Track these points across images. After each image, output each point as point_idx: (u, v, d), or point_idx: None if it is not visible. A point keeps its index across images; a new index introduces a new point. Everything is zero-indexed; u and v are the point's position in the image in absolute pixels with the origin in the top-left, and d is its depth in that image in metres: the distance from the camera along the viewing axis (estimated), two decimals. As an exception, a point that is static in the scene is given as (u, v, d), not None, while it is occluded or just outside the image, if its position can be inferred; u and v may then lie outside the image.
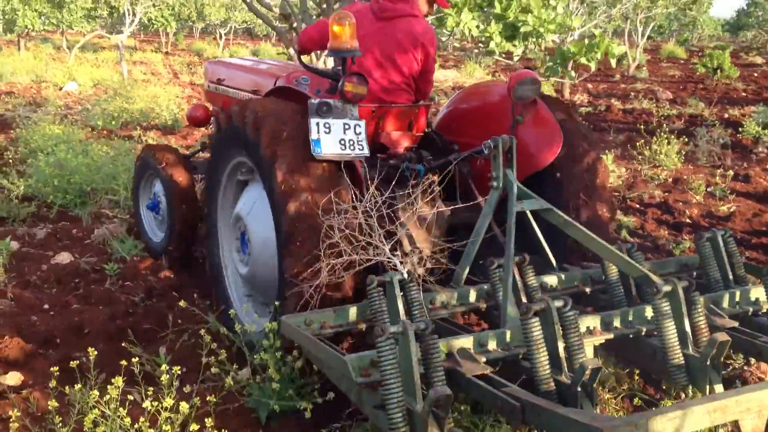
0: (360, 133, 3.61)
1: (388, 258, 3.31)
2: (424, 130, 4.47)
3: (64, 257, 5.69)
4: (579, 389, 2.72)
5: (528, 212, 3.57)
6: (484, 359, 2.93)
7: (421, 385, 2.59)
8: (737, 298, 3.51)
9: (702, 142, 10.09)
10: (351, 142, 3.58)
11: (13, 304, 4.75)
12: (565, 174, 4.01)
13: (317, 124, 3.52)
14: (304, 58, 5.04)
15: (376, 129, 4.13)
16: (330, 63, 6.23)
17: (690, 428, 2.39)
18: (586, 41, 6.27)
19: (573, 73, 6.64)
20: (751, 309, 3.49)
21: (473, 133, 4.19)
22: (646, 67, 24.44)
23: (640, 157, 9.39)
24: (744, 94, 18.17)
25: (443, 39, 7.28)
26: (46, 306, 4.79)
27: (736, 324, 3.30)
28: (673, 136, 9.42)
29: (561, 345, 2.84)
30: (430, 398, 2.49)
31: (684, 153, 9.49)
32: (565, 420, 2.42)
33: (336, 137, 3.54)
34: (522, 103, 3.93)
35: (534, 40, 6.62)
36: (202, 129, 8.34)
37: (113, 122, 11.66)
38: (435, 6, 4.62)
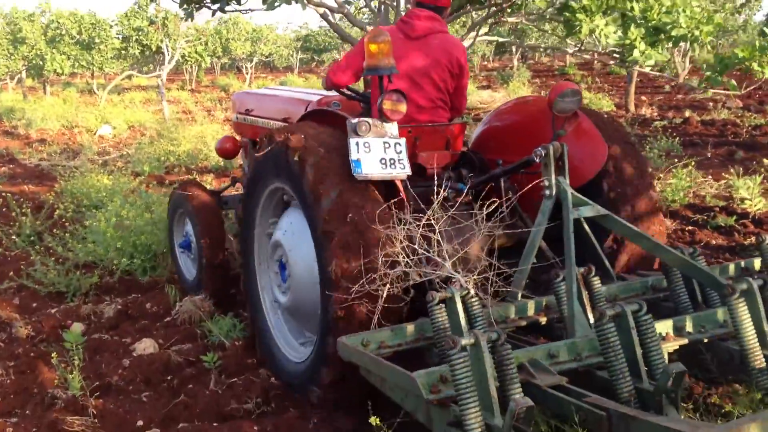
0: (401, 152, 3.56)
1: (449, 273, 3.29)
2: (461, 149, 4.38)
3: (146, 345, 4.65)
4: (663, 396, 2.63)
5: (583, 220, 3.51)
6: (556, 370, 2.84)
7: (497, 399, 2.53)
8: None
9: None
10: (392, 161, 3.52)
11: (99, 424, 3.72)
12: (612, 184, 4.00)
13: (357, 143, 3.47)
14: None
15: (413, 149, 4.04)
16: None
17: None
18: (758, 43, 5.11)
19: (735, 83, 5.49)
20: None
21: (513, 150, 4.11)
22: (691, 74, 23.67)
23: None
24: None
25: (569, 51, 6.19)
26: (140, 423, 3.74)
27: None
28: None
29: (639, 351, 2.77)
30: (511, 410, 2.41)
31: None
32: (662, 430, 2.31)
33: (376, 156, 3.49)
34: (563, 117, 3.84)
35: (689, 44, 5.55)
36: None
37: (160, 167, 10.70)
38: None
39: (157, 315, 5.27)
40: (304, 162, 3.51)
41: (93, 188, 8.35)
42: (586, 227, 3.56)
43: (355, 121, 3.52)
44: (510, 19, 7.10)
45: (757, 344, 2.91)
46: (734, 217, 6.89)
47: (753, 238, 6.21)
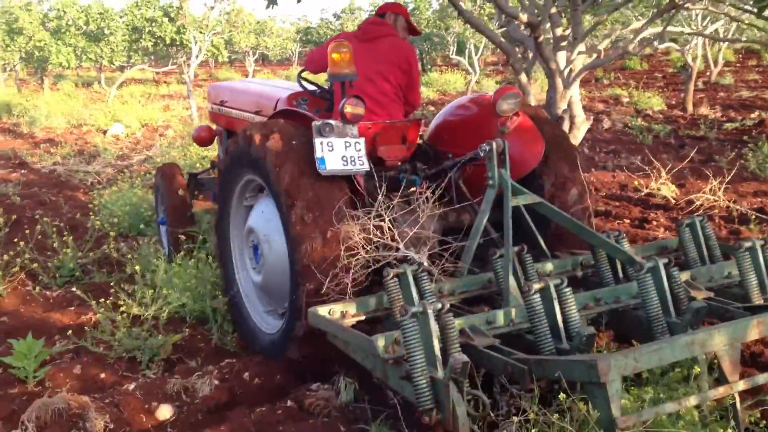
0: (360, 150, 4.09)
1: (404, 254, 3.81)
2: (416, 143, 4.94)
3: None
4: (577, 353, 3.14)
5: (522, 206, 4.04)
6: (492, 334, 3.39)
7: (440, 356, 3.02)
8: (713, 273, 3.96)
9: None
10: (352, 158, 4.04)
11: None
12: (544, 173, 4.58)
13: (321, 143, 4.00)
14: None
15: (372, 144, 4.60)
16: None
17: (670, 358, 2.83)
18: None
19: None
20: (726, 282, 3.93)
21: (463, 144, 4.62)
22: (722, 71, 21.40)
23: None
24: None
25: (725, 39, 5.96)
26: None
27: (711, 294, 3.69)
28: None
29: (560, 318, 3.28)
30: (450, 365, 2.88)
31: None
32: (567, 363, 2.81)
33: (338, 154, 4.01)
34: (506, 116, 4.40)
35: None
36: None
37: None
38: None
39: (268, 394, 4.08)
40: (275, 159, 4.05)
41: (133, 204, 7.35)
42: (525, 213, 4.07)
43: (319, 123, 4.04)
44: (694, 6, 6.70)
45: (661, 313, 3.43)
46: None
47: None
